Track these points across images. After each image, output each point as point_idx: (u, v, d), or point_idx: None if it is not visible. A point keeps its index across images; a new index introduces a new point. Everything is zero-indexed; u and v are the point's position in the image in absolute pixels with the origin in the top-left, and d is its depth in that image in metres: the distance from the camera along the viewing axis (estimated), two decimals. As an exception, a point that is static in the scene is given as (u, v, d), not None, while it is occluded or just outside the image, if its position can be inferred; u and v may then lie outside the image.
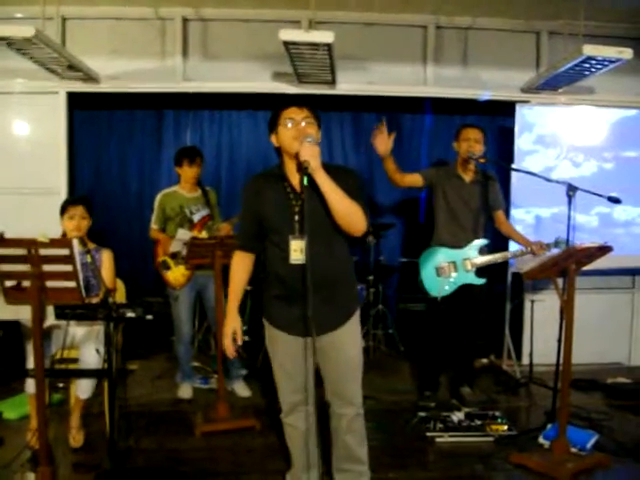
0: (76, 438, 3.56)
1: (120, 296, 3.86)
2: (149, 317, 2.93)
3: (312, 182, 2.39)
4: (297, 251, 2.51)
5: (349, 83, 5.19)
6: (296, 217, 2.53)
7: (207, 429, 3.84)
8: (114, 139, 6.07)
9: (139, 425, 3.89)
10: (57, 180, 5.03)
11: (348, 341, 2.67)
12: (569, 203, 3.74)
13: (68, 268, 2.70)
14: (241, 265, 2.72)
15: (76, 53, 4.61)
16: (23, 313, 2.79)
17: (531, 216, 5.18)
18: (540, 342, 4.91)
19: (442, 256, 4.26)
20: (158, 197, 4.51)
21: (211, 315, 4.57)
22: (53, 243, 2.71)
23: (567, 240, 3.85)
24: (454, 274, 4.24)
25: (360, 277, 5.41)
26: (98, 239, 3.84)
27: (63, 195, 4.90)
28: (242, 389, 4.60)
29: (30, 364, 3.22)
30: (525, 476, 3.28)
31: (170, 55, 5.15)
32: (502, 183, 4.58)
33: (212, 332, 5.24)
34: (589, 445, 3.51)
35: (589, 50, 4.13)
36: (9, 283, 2.76)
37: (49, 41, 4.11)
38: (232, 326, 2.64)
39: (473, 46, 5.33)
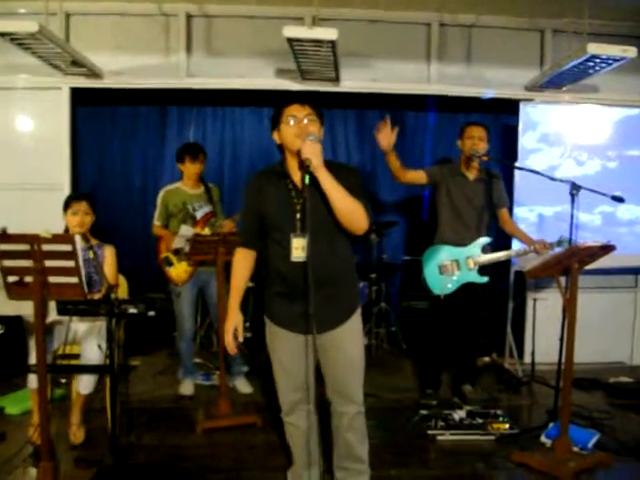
0: (76, 435, 3.57)
1: (122, 292, 3.87)
2: (151, 313, 2.93)
3: (314, 180, 2.39)
4: (298, 249, 2.51)
5: (353, 80, 5.17)
6: (298, 215, 2.52)
7: (208, 425, 3.85)
8: (117, 135, 6.07)
9: (141, 421, 3.90)
10: (60, 176, 5.02)
11: (349, 339, 2.67)
12: (572, 202, 3.74)
13: (70, 264, 2.71)
14: (243, 262, 2.71)
15: (80, 49, 4.60)
16: (25, 309, 2.81)
17: (534, 214, 5.16)
18: (542, 341, 4.91)
19: (445, 254, 4.26)
20: (161, 193, 4.51)
21: (213, 312, 4.58)
22: (55, 239, 2.71)
23: (570, 239, 3.85)
24: (457, 272, 4.23)
25: (363, 275, 5.44)
26: (101, 235, 3.84)
27: (66, 191, 4.90)
28: (244, 386, 4.60)
29: (32, 359, 3.22)
30: (526, 475, 3.28)
31: (174, 51, 5.13)
32: (505, 181, 4.56)
33: (214, 329, 5.26)
34: (591, 444, 3.50)
35: (593, 48, 4.11)
36: (12, 278, 2.76)
37: (53, 36, 4.10)
38: (233, 322, 2.63)
39: (477, 44, 5.31)
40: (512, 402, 4.48)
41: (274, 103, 2.63)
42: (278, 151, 2.67)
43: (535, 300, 5.04)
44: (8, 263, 2.72)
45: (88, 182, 5.87)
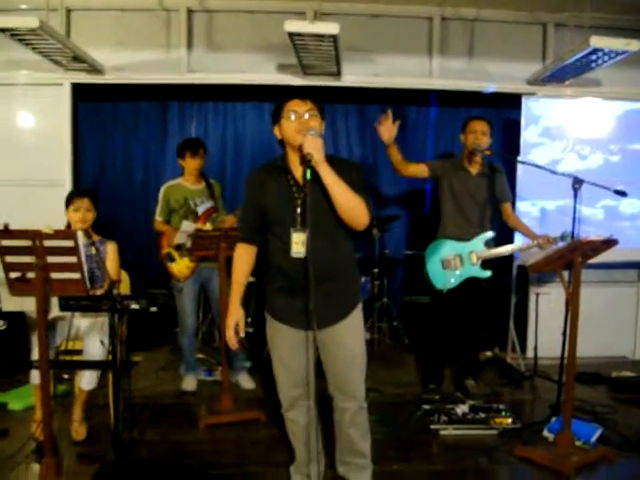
0: (78, 431, 3.57)
1: (124, 288, 3.87)
2: (153, 309, 2.93)
3: (315, 175, 2.38)
4: (299, 244, 2.50)
5: (354, 75, 5.16)
6: (298, 210, 2.51)
7: (211, 421, 3.85)
8: (119, 131, 6.05)
9: (143, 417, 3.89)
10: (62, 172, 5.03)
11: (349, 335, 2.66)
12: (575, 196, 3.72)
13: (72, 260, 2.71)
14: (244, 257, 2.71)
15: (81, 44, 4.60)
16: (28, 304, 2.80)
17: (537, 209, 5.15)
18: (545, 335, 4.91)
19: (448, 249, 4.25)
20: (162, 189, 4.51)
21: (215, 307, 4.58)
22: (57, 234, 2.71)
23: (572, 233, 3.84)
24: (460, 267, 4.22)
25: (365, 270, 5.44)
26: (102, 231, 3.84)
27: (68, 187, 4.91)
28: (246, 381, 4.61)
29: (35, 355, 3.22)
30: (529, 469, 3.28)
31: (175, 46, 5.13)
32: (508, 176, 4.55)
33: (216, 324, 5.27)
34: (593, 438, 3.50)
35: (596, 42, 4.09)
36: (14, 274, 2.76)
37: (53, 32, 4.10)
38: (234, 318, 2.62)
39: (479, 38, 5.30)
40: (515, 397, 4.48)
41: (275, 98, 2.62)
42: (279, 146, 2.66)
43: (538, 294, 5.03)
44: (10, 259, 2.72)
45: (89, 178, 5.86)
